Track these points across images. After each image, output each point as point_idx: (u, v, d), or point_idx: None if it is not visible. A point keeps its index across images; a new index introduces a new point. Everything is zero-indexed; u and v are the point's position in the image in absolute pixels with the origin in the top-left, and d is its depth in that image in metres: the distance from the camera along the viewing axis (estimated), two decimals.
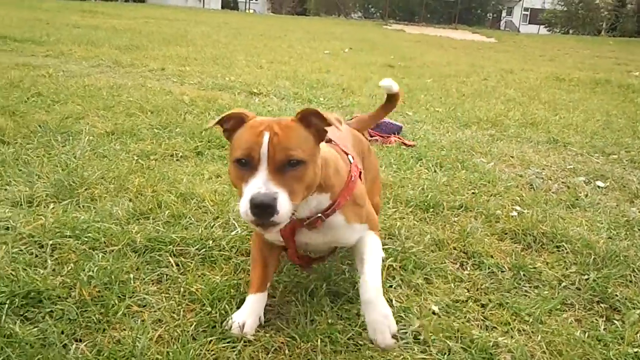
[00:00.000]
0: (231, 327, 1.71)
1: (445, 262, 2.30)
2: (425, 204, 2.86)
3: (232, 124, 1.64)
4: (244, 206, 1.46)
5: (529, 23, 47.92)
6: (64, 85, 5.19)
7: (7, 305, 1.71)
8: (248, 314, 1.75)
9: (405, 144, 4.05)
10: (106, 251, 2.10)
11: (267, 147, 1.49)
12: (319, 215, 1.72)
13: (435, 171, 3.49)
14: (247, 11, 49.97)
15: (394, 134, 4.24)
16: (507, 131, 4.92)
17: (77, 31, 11.73)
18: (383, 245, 2.04)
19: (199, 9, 38.58)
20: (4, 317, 1.66)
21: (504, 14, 49.38)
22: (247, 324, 1.72)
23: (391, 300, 1.97)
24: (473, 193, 3.13)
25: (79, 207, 2.50)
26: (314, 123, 1.61)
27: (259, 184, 1.46)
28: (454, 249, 2.42)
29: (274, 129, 1.52)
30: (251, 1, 56.64)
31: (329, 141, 1.85)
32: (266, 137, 1.50)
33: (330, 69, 8.84)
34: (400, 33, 25.17)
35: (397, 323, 1.62)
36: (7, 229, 2.23)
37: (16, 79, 5.17)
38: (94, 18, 16.80)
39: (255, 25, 21.48)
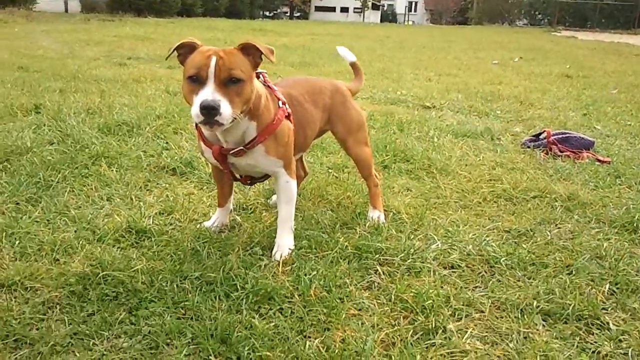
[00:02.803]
0: (205, 226, 2.49)
1: None
2: (632, 224, 2.68)
3: (185, 50, 2.06)
4: (195, 109, 1.90)
5: None
6: None
7: (244, 301, 1.93)
8: (215, 220, 2.53)
9: (599, 160, 3.82)
10: (319, 256, 2.27)
11: (214, 67, 1.91)
12: (241, 148, 2.16)
13: (638, 190, 3.25)
14: (406, 23, 50.19)
15: (586, 149, 4.02)
16: None
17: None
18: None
19: (359, 23, 39.60)
20: (244, 311, 1.88)
21: None
22: (215, 224, 2.51)
23: (608, 324, 1.89)
24: None
25: None
26: (251, 52, 2.05)
27: (208, 93, 1.90)
28: None
29: (220, 54, 1.95)
30: (410, 13, 56.80)
31: (267, 86, 2.28)
32: (214, 59, 1.92)
33: (502, 80, 8.58)
34: (572, 40, 23.59)
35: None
36: (231, 233, 2.51)
37: None
38: (265, 36, 18.00)
39: (417, 37, 21.52)
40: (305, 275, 2.08)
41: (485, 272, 2.23)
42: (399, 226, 2.63)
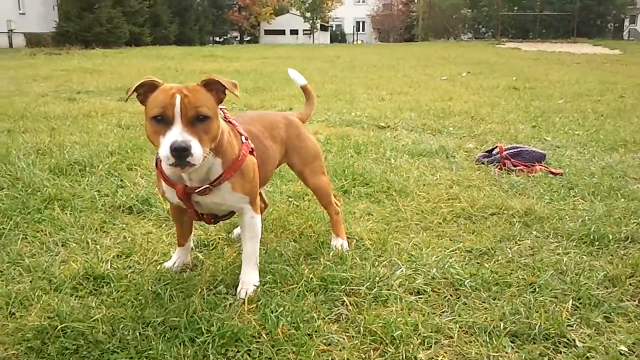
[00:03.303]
0: (165, 267, 2.43)
1: (622, 300, 2.20)
2: (589, 237, 2.75)
3: (145, 89, 2.00)
4: (165, 152, 1.85)
5: None
6: None
7: (210, 346, 1.88)
8: (175, 260, 2.47)
9: (552, 173, 3.93)
10: (285, 291, 2.24)
11: (180, 106, 1.87)
12: (207, 185, 2.12)
13: (592, 200, 3.35)
14: (354, 42, 50.94)
15: (539, 162, 4.12)
16: None
17: (205, 77, 12.60)
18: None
19: (309, 45, 39.95)
20: (211, 356, 1.83)
21: (626, 22, 46.25)
22: (176, 265, 2.44)
23: (574, 341, 1.92)
24: (637, 223, 2.97)
25: None
26: (214, 88, 2.03)
27: (176, 133, 1.85)
28: (630, 284, 2.31)
29: (184, 92, 1.91)
30: (358, 32, 57.73)
31: (229, 122, 2.27)
32: (178, 98, 1.88)
33: (452, 95, 8.78)
34: (516, 51, 24.43)
35: None
36: (193, 272, 2.45)
37: None
38: (215, 62, 17.96)
39: (366, 56, 21.85)
40: (272, 312, 2.04)
41: (451, 295, 2.24)
42: (362, 253, 2.62)
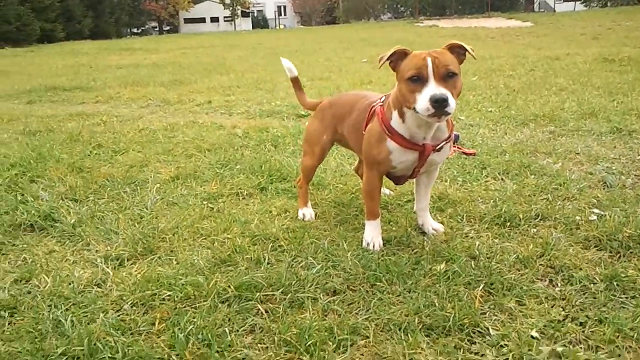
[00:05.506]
0: (368, 245, 2.59)
1: (534, 281, 2.24)
2: (501, 218, 2.80)
3: (396, 56, 2.30)
4: (424, 104, 2.13)
5: (564, 1, 46.56)
6: (120, 132, 5.36)
7: None
8: (376, 234, 2.63)
9: (465, 153, 3.99)
10: (196, 306, 2.14)
11: (432, 66, 2.13)
12: (446, 142, 2.51)
13: (502, 179, 3.42)
14: (277, 27, 50.53)
15: (453, 143, 4.17)
16: (567, 125, 4.79)
17: (121, 72, 12.13)
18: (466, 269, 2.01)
19: (231, 32, 39.33)
20: None
21: None
22: (376, 242, 2.60)
23: (487, 329, 1.93)
24: (546, 200, 3.05)
25: (161, 260, 2.56)
26: (456, 51, 2.29)
27: (433, 88, 2.13)
28: (540, 265, 2.36)
29: (433, 55, 2.17)
30: (280, 17, 57.27)
31: None
32: (429, 60, 2.15)
33: (372, 79, 8.83)
34: (434, 29, 24.92)
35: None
36: (98, 292, 2.31)
37: (75, 132, 5.36)
38: (133, 55, 17.36)
39: (289, 41, 21.72)
40: (181, 331, 1.94)
41: (367, 291, 2.21)
42: (278, 255, 2.55)
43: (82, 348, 1.88)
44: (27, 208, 3.22)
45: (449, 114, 2.15)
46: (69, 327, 2.02)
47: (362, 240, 2.64)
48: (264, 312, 2.09)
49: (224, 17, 53.11)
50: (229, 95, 7.84)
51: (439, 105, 2.10)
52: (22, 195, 3.47)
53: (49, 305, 2.19)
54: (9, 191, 3.57)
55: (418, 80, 2.17)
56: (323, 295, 2.20)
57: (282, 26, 52.24)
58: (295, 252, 2.57)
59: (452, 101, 2.12)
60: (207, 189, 3.50)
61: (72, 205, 3.28)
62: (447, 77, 2.16)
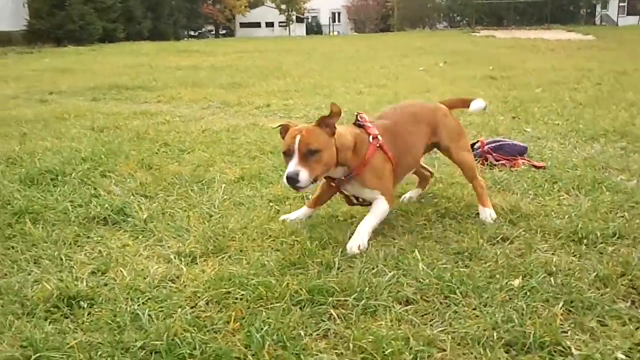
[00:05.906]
0: (282, 219, 3.02)
1: (615, 301, 2.15)
2: (577, 234, 2.71)
3: (283, 129, 2.73)
4: (284, 177, 2.52)
5: (627, 14, 45.03)
6: (184, 132, 5.47)
7: None
8: (297, 214, 3.04)
9: (535, 166, 3.89)
10: (269, 307, 2.15)
11: (298, 145, 2.48)
12: (342, 178, 2.77)
13: (576, 195, 3.31)
14: (331, 34, 50.74)
15: (521, 155, 4.08)
16: (639, 142, 4.61)
17: (180, 73, 12.38)
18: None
19: (286, 37, 39.69)
20: None
21: (598, 8, 46.61)
22: (293, 218, 3.01)
23: (569, 348, 1.86)
24: (623, 218, 2.94)
25: (232, 260, 2.59)
26: (325, 124, 2.60)
27: (292, 165, 2.50)
28: (622, 285, 2.26)
29: (302, 132, 2.52)
30: (334, 23, 57.51)
31: (361, 126, 2.81)
32: (298, 137, 2.50)
33: (430, 87, 8.74)
34: (491, 39, 24.52)
35: None
36: (173, 287, 2.35)
37: (141, 130, 5.50)
38: (190, 57, 17.69)
39: (343, 47, 21.74)
40: (257, 331, 1.95)
41: (441, 303, 2.17)
42: (349, 260, 2.54)
43: (161, 342, 1.91)
44: (100, 202, 3.32)
45: (301, 188, 2.53)
46: (146, 321, 2.06)
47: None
48: (336, 317, 2.08)
49: (279, 22, 53.71)
50: (287, 100, 7.89)
51: (289, 180, 2.48)
52: (95, 189, 3.58)
53: (125, 298, 2.25)
54: (82, 185, 3.69)
55: (287, 155, 2.55)
56: (396, 304, 2.17)
57: (335, 32, 52.46)
58: (366, 258, 2.55)
59: (303, 178, 2.47)
60: (272, 191, 3.53)
61: (143, 201, 3.37)
62: (308, 154, 2.49)
